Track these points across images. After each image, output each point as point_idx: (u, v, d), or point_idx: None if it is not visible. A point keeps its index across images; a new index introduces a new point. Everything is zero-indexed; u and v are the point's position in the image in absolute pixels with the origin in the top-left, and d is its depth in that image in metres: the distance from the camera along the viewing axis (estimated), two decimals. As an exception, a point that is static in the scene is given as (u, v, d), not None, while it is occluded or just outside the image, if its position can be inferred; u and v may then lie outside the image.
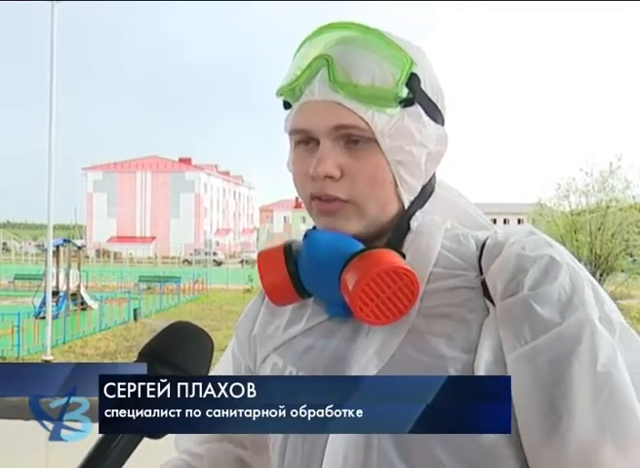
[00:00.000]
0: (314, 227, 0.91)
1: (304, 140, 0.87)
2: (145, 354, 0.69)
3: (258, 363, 0.98)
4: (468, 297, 0.83)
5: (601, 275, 20.36)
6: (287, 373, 0.90)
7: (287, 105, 0.90)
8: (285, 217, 74.23)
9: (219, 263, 48.96)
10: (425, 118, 0.87)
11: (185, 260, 52.03)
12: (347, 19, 0.89)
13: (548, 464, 0.76)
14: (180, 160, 70.91)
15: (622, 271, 21.19)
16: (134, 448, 0.66)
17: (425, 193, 0.90)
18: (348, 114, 0.83)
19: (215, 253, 54.43)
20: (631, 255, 21.21)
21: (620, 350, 0.78)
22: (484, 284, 0.83)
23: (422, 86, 0.86)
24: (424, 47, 0.93)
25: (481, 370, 0.78)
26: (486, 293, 0.82)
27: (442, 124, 0.91)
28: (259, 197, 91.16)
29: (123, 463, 0.65)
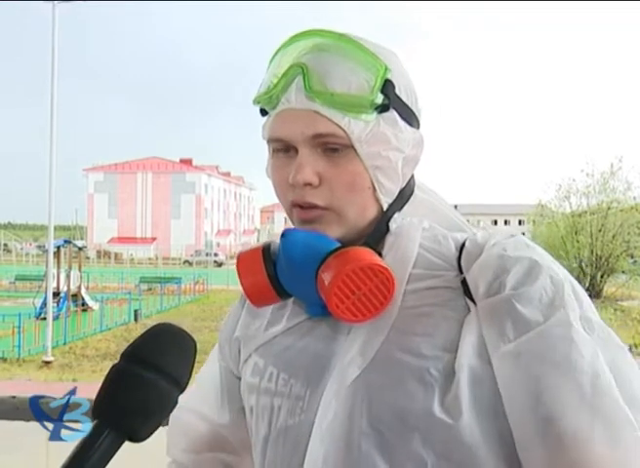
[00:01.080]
0: None
1: (283, 148, 0.87)
2: (127, 355, 0.68)
3: (240, 363, 0.99)
4: (449, 297, 0.84)
5: (602, 276, 20.35)
6: (268, 374, 0.91)
7: (264, 112, 0.91)
8: (286, 218, 73.87)
9: (219, 264, 48.99)
10: (401, 123, 0.87)
11: (186, 261, 52.02)
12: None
13: (541, 459, 0.77)
14: (181, 161, 70.94)
15: (623, 272, 21.18)
16: (114, 451, 0.65)
17: (404, 196, 0.91)
18: (325, 122, 0.83)
19: (215, 254, 54.44)
20: (632, 257, 21.20)
21: (600, 346, 0.79)
22: (464, 283, 0.84)
23: (397, 91, 0.86)
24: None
25: (463, 368, 0.79)
26: (466, 293, 0.83)
27: (417, 127, 0.91)
28: (259, 198, 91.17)
29: (104, 466, 0.65)
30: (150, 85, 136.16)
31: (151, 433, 0.67)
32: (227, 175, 78.77)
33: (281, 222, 73.83)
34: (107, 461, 0.64)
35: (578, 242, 20.22)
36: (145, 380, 0.66)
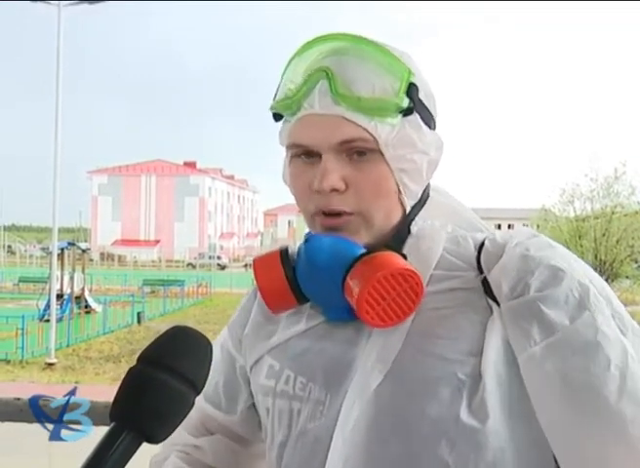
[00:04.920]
0: None
1: (304, 154, 0.86)
2: (144, 358, 0.68)
3: (249, 363, 0.97)
4: (470, 298, 0.83)
5: (606, 281, 20.13)
6: (284, 377, 0.90)
7: (277, 117, 0.89)
8: (289, 222, 74.21)
9: (222, 267, 49.03)
10: (424, 126, 0.87)
11: (189, 264, 52.08)
12: (346, 21, 0.89)
13: (576, 460, 0.76)
14: (185, 164, 71.02)
15: (627, 277, 21.06)
16: (132, 453, 0.65)
17: (422, 198, 0.91)
18: (352, 127, 0.82)
19: (219, 257, 54.46)
20: (636, 262, 21.09)
21: (637, 344, 0.78)
22: (484, 283, 0.83)
23: (421, 95, 0.86)
24: (428, 50, 0.92)
25: (489, 370, 0.78)
26: (487, 293, 0.83)
27: (434, 130, 0.91)
28: (263, 201, 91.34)
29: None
30: (153, 87, 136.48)
31: (169, 434, 0.67)
32: (231, 177, 78.82)
33: (284, 226, 73.85)
34: (125, 463, 0.65)
35: (581, 246, 20.13)
36: (162, 383, 0.66)
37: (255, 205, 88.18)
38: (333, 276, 0.84)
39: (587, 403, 0.75)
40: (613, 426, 0.74)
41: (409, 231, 0.89)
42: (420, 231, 0.89)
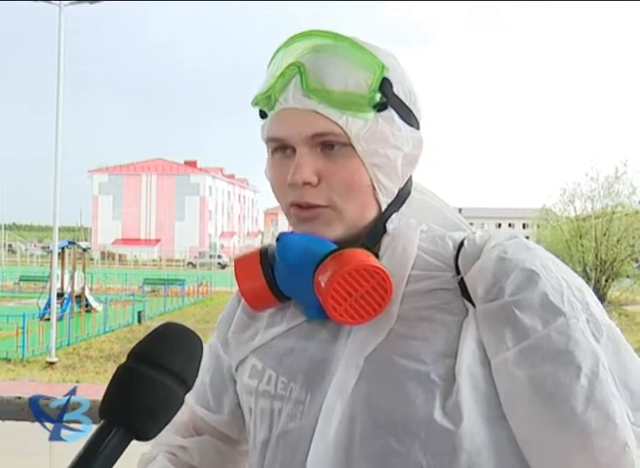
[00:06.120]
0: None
1: (281, 148, 0.87)
2: (134, 355, 0.68)
3: (235, 363, 0.98)
4: (447, 299, 0.83)
5: (606, 281, 20.25)
6: (266, 376, 0.90)
7: (263, 115, 0.90)
8: (290, 221, 74.20)
9: (223, 266, 48.99)
10: (399, 121, 0.87)
11: (190, 263, 52.11)
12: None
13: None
14: (186, 163, 71.04)
15: (628, 277, 21.07)
16: (122, 450, 0.65)
17: (401, 196, 0.90)
18: (324, 121, 0.83)
19: (219, 256, 54.47)
20: (637, 261, 21.09)
21: (610, 350, 0.78)
22: (461, 284, 0.83)
23: (395, 90, 0.86)
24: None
25: (463, 373, 0.78)
26: (464, 294, 0.82)
27: (417, 127, 0.91)
28: (263, 200, 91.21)
29: (112, 466, 0.65)
30: (154, 86, 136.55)
31: (158, 432, 0.67)
32: (232, 177, 78.84)
33: (285, 225, 73.74)
34: (115, 460, 0.64)
35: (582, 246, 20.12)
36: (152, 380, 0.66)
37: (255, 204, 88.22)
38: (305, 273, 0.84)
39: (554, 411, 0.76)
40: (577, 436, 0.75)
41: (385, 229, 0.88)
42: (396, 230, 0.88)
